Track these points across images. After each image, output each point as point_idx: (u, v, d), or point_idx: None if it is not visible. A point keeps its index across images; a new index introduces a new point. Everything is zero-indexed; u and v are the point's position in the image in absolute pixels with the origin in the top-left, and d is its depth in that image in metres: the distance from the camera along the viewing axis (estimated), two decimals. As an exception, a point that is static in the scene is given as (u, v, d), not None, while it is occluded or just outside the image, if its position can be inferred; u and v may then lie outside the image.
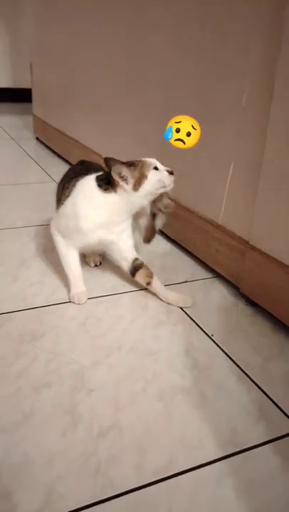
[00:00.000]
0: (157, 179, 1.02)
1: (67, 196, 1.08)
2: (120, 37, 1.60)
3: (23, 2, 3.54)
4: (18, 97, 3.85)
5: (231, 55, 1.07)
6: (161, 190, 1.04)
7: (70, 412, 0.77)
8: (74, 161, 2.18)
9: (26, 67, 2.88)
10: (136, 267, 1.11)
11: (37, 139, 2.77)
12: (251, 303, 1.11)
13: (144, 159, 1.04)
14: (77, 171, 1.14)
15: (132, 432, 0.74)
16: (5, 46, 3.81)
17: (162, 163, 1.05)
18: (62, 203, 1.09)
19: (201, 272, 1.27)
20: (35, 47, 2.60)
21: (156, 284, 1.11)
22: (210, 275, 1.26)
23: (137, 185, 1.02)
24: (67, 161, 2.28)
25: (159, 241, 1.45)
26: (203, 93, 1.20)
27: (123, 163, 1.01)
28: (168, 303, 1.10)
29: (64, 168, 2.20)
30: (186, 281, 1.22)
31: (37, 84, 2.68)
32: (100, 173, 1.07)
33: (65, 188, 1.11)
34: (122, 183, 1.01)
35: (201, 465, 0.69)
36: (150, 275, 1.10)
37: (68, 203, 1.07)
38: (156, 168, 1.03)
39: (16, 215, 1.58)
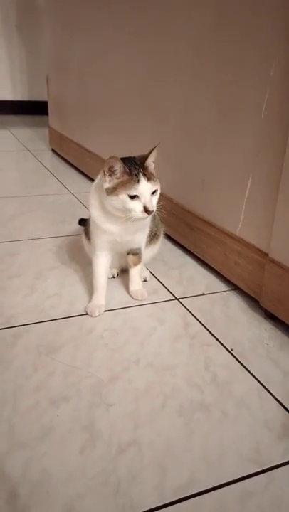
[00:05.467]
0: (125, 206, 0.93)
1: None
2: (139, 50, 1.61)
3: (40, 16, 3.60)
4: (35, 109, 3.90)
5: (251, 68, 1.07)
6: (127, 218, 0.94)
7: (88, 428, 0.76)
8: (90, 173, 2.20)
9: (43, 81, 2.92)
10: (132, 252, 1.13)
11: (53, 150, 2.79)
12: (271, 316, 1.10)
13: (140, 180, 0.92)
14: None
15: (152, 450, 0.72)
16: (22, 59, 3.87)
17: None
18: None
19: (218, 285, 1.26)
20: (51, 60, 2.64)
21: (133, 274, 1.16)
22: (228, 288, 1.24)
23: (109, 191, 0.94)
24: (83, 173, 2.29)
25: (175, 253, 1.44)
26: (221, 106, 1.19)
27: (126, 161, 0.94)
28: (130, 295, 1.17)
29: (80, 179, 2.23)
30: (203, 294, 1.20)
31: (53, 97, 2.71)
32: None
33: None
34: (106, 176, 0.94)
35: (223, 484, 0.68)
36: (136, 263, 1.14)
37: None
38: (134, 197, 0.92)
39: (32, 227, 1.59)
